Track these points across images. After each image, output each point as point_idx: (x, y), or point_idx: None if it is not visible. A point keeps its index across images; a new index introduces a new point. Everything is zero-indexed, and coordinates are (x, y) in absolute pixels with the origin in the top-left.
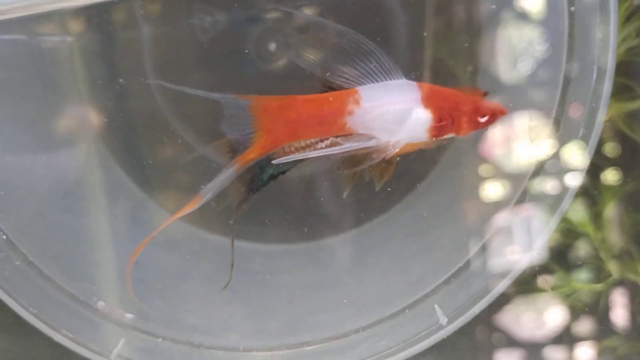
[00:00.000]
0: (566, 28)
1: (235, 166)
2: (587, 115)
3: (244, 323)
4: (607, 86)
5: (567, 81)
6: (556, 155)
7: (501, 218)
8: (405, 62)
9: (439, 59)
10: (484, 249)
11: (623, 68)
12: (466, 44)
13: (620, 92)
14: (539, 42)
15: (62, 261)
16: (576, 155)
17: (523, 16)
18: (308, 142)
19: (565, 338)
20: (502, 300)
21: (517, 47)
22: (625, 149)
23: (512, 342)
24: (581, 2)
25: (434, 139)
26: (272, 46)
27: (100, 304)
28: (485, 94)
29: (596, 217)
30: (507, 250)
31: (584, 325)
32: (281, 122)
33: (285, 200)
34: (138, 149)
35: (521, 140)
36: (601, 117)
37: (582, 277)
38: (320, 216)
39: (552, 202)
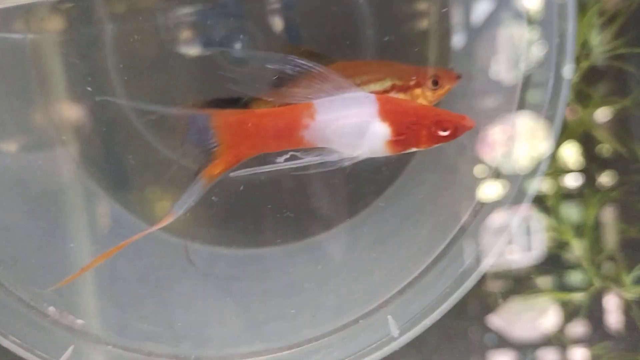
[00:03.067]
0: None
1: (202, 180)
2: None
3: (197, 331)
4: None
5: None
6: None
7: (464, 225)
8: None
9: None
10: (440, 257)
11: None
12: (433, 48)
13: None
14: (536, 43)
15: (11, 265)
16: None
17: (516, 17)
18: None
19: (558, 339)
20: (496, 301)
21: (512, 49)
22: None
23: (505, 343)
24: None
25: (394, 152)
26: (239, 46)
27: (51, 309)
28: (458, 77)
29: (584, 222)
30: (466, 257)
31: (576, 328)
32: (241, 136)
33: (248, 205)
34: (102, 151)
35: (517, 141)
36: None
37: (573, 280)
38: (283, 221)
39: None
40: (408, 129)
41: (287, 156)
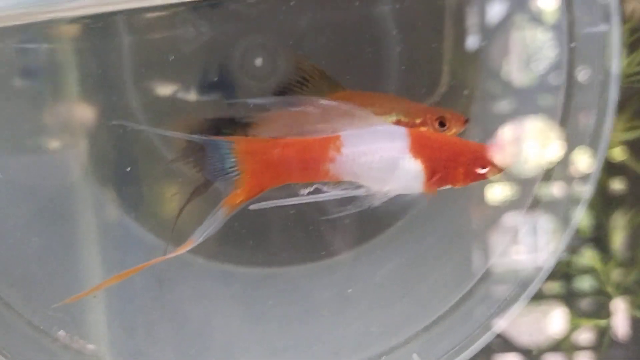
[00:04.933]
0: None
1: (223, 209)
2: (595, 123)
3: (214, 358)
4: (612, 94)
5: (574, 86)
6: (563, 164)
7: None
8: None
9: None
10: (472, 292)
11: None
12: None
13: None
14: (547, 47)
15: (22, 287)
16: (584, 165)
17: (532, 20)
18: None
19: (566, 346)
20: (504, 306)
21: (525, 52)
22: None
23: (510, 347)
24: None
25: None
26: (259, 61)
27: (61, 333)
28: (466, 121)
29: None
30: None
31: (583, 334)
32: (264, 165)
33: (267, 224)
34: (117, 166)
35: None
36: (608, 126)
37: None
38: (302, 239)
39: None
40: (443, 166)
41: (312, 189)
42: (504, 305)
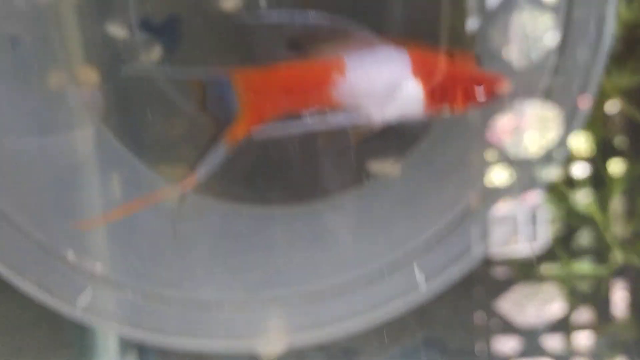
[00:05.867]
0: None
1: (225, 143)
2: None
3: (218, 277)
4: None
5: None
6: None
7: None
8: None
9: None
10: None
11: None
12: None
13: None
14: (551, 28)
15: (31, 208)
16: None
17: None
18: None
19: (565, 326)
20: (502, 286)
21: (529, 33)
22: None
23: (510, 328)
24: None
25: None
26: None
27: (69, 252)
28: (477, 58)
29: (602, 202)
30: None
31: (584, 314)
32: (265, 95)
33: (271, 161)
34: (131, 114)
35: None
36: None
37: (585, 267)
38: (309, 179)
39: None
40: (443, 88)
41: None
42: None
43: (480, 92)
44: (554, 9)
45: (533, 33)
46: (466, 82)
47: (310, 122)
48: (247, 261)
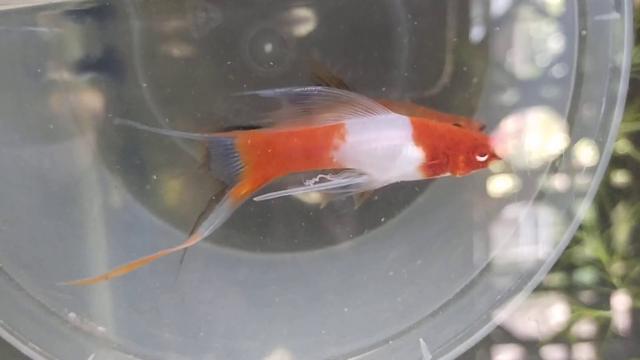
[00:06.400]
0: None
1: (229, 200)
2: (601, 116)
3: (221, 343)
4: (622, 87)
5: (580, 79)
6: (567, 156)
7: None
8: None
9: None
10: (476, 281)
11: None
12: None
13: None
14: (553, 38)
15: (33, 269)
16: (588, 157)
17: (538, 12)
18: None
19: (566, 337)
20: (504, 298)
21: (531, 43)
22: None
23: (511, 339)
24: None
25: (427, 177)
26: (269, 47)
27: (71, 315)
28: (482, 127)
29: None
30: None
31: (583, 326)
32: (268, 156)
33: (276, 210)
34: (128, 152)
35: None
36: (617, 119)
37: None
38: (308, 226)
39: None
40: (444, 153)
41: (316, 179)
42: (507, 295)
43: (481, 158)
44: (561, 18)
45: (539, 42)
46: (468, 147)
47: (312, 186)
48: (250, 323)
